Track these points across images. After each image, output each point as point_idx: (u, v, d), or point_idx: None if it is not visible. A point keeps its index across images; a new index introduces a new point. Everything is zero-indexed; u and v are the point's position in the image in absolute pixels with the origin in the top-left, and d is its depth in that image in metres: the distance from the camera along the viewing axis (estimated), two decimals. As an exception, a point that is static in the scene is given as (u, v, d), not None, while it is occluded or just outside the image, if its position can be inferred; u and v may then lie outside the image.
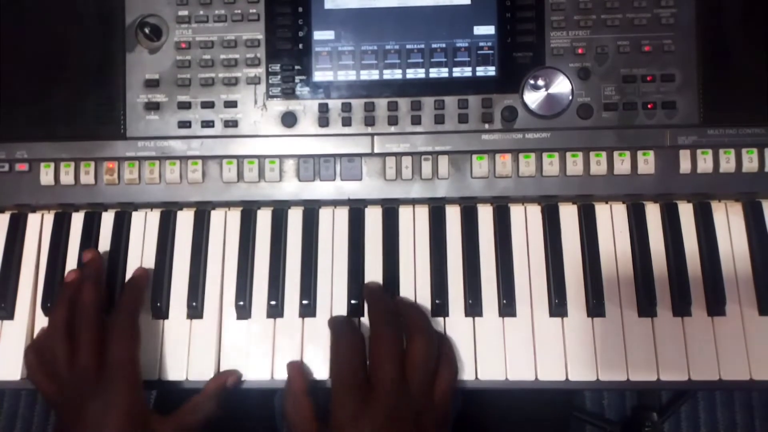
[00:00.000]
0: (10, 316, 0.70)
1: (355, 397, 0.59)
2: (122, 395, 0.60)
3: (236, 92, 0.71)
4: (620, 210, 0.71)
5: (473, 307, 0.68)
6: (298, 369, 0.66)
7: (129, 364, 0.62)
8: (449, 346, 0.66)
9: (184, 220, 0.72)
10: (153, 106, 0.71)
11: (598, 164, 0.69)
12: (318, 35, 0.70)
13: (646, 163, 0.68)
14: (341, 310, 0.68)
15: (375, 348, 0.62)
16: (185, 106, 0.71)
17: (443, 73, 0.70)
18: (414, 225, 0.71)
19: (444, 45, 0.70)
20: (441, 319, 0.68)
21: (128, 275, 0.70)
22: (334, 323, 0.67)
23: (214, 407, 0.65)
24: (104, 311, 0.66)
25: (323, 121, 0.70)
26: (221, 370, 0.68)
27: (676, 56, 0.69)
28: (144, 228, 0.72)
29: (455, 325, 0.68)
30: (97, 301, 0.65)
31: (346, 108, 0.70)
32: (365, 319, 0.68)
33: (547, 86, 0.69)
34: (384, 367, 0.60)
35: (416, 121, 0.70)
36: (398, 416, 0.58)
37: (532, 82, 0.69)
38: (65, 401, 0.62)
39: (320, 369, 0.67)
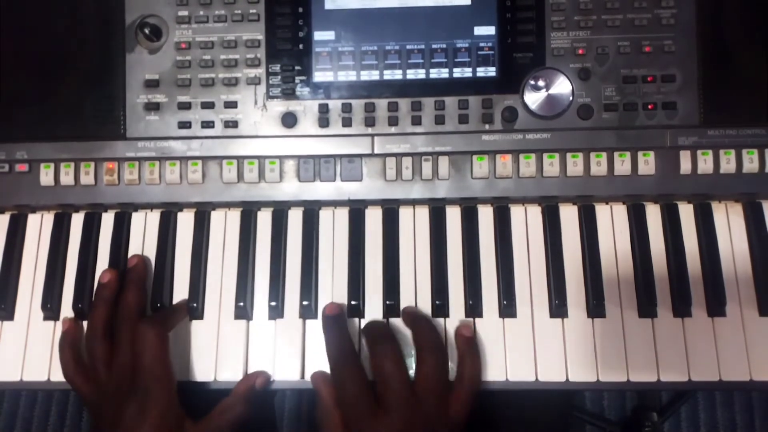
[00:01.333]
0: (10, 316, 0.70)
1: (364, 417, 0.60)
2: (158, 398, 0.61)
3: (236, 93, 0.71)
4: (620, 210, 0.71)
5: (473, 308, 0.68)
6: (324, 380, 0.65)
7: (165, 369, 0.63)
8: (471, 361, 0.64)
9: (185, 221, 0.72)
10: (153, 107, 0.71)
11: (599, 165, 0.69)
12: (318, 35, 0.70)
13: (647, 163, 0.68)
14: (341, 310, 0.68)
15: (376, 368, 0.62)
16: (185, 106, 0.71)
17: (443, 73, 0.70)
18: (414, 226, 0.71)
19: (444, 45, 0.70)
20: (441, 319, 0.68)
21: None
22: (333, 353, 0.65)
23: (243, 408, 0.65)
24: (143, 315, 0.67)
25: (323, 121, 0.70)
26: (221, 370, 0.67)
27: (676, 57, 0.69)
28: (144, 229, 0.72)
29: (455, 326, 0.67)
30: (141, 305, 0.67)
31: (347, 108, 0.70)
32: (365, 320, 0.68)
33: (547, 87, 0.68)
34: (389, 386, 0.60)
35: (416, 121, 0.70)
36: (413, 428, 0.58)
37: (532, 82, 0.69)
38: (102, 401, 0.63)
39: (320, 370, 0.67)
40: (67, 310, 0.70)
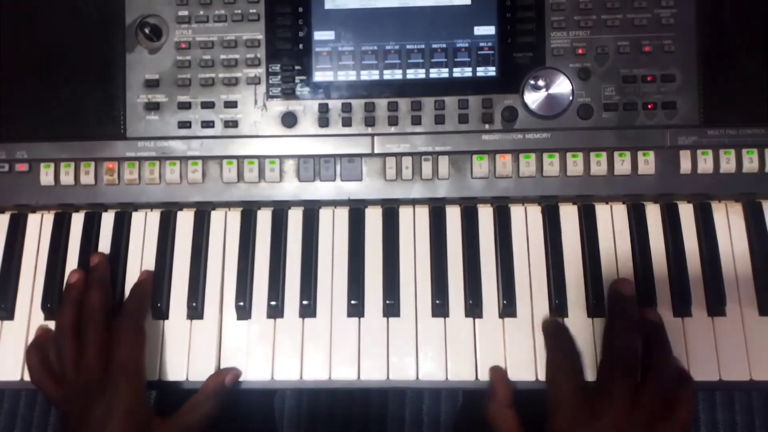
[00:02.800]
0: (10, 316, 0.70)
1: (575, 424, 0.58)
2: (125, 397, 0.61)
3: (236, 92, 0.71)
4: (620, 210, 0.71)
5: (473, 308, 0.68)
6: (503, 378, 0.65)
7: (133, 367, 0.63)
8: (687, 394, 0.60)
9: (184, 221, 0.72)
10: (153, 106, 0.71)
11: (599, 164, 0.69)
12: (318, 35, 0.70)
13: (647, 163, 0.68)
14: (341, 310, 0.68)
15: (602, 388, 0.59)
16: (185, 106, 0.71)
17: (443, 73, 0.70)
18: (414, 225, 0.71)
19: (444, 45, 0.70)
20: (441, 319, 0.68)
21: (128, 276, 0.70)
22: (552, 337, 0.65)
23: (212, 406, 0.65)
24: (110, 314, 0.66)
25: (323, 121, 0.70)
26: (220, 369, 0.67)
27: (676, 56, 0.69)
28: (144, 228, 0.72)
29: (455, 326, 0.68)
30: (105, 304, 0.66)
31: (347, 108, 0.70)
32: (365, 320, 0.68)
33: (547, 86, 0.69)
34: (610, 410, 0.57)
35: (416, 121, 0.70)
36: None
37: (532, 82, 0.69)
38: (69, 402, 0.63)
39: (321, 370, 0.67)
40: (67, 310, 0.70)
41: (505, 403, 0.63)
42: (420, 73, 0.70)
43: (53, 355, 0.65)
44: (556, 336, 0.65)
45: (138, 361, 0.63)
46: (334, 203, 0.71)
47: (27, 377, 0.68)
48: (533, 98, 0.69)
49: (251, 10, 0.71)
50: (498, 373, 0.65)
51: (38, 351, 0.66)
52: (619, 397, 0.58)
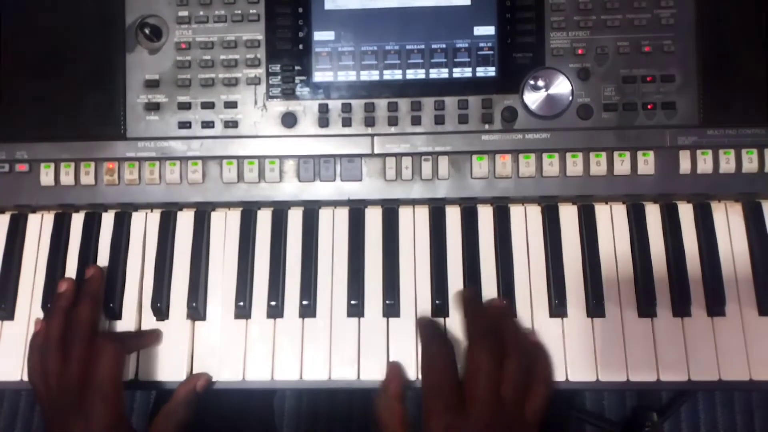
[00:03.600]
0: (10, 316, 0.70)
1: (449, 413, 0.58)
2: (104, 416, 0.60)
3: (236, 93, 0.71)
4: (620, 210, 0.71)
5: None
6: (397, 371, 0.65)
7: (114, 388, 0.62)
8: (545, 364, 0.63)
9: (185, 221, 0.72)
10: (153, 107, 0.71)
11: (598, 165, 0.69)
12: (318, 36, 0.70)
13: (646, 163, 0.68)
14: (341, 310, 0.69)
15: (473, 366, 0.60)
16: (185, 106, 0.71)
17: (443, 73, 0.70)
18: (414, 225, 0.71)
19: (444, 45, 0.70)
20: (441, 319, 0.68)
21: (128, 276, 0.70)
22: (424, 328, 0.66)
23: (185, 413, 0.65)
24: (96, 329, 0.66)
25: (323, 121, 0.70)
26: (222, 370, 0.68)
27: (676, 57, 0.69)
28: (144, 229, 0.72)
29: (455, 326, 0.68)
30: (93, 320, 0.65)
31: (346, 108, 0.70)
32: (365, 320, 0.68)
33: (547, 87, 0.69)
34: (482, 385, 0.58)
35: (416, 121, 0.70)
36: (492, 431, 0.57)
37: (532, 82, 0.69)
38: (52, 409, 0.62)
39: (321, 370, 0.67)
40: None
41: (394, 397, 0.63)
42: (420, 74, 0.70)
43: (42, 364, 0.64)
44: (426, 327, 0.66)
45: (118, 383, 0.62)
46: (334, 203, 0.72)
47: (27, 377, 0.68)
48: (533, 98, 0.69)
49: (251, 11, 0.71)
50: (395, 367, 0.65)
51: (40, 350, 0.65)
52: (488, 370, 0.58)
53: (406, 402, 0.63)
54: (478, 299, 0.67)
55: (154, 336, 0.68)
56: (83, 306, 0.65)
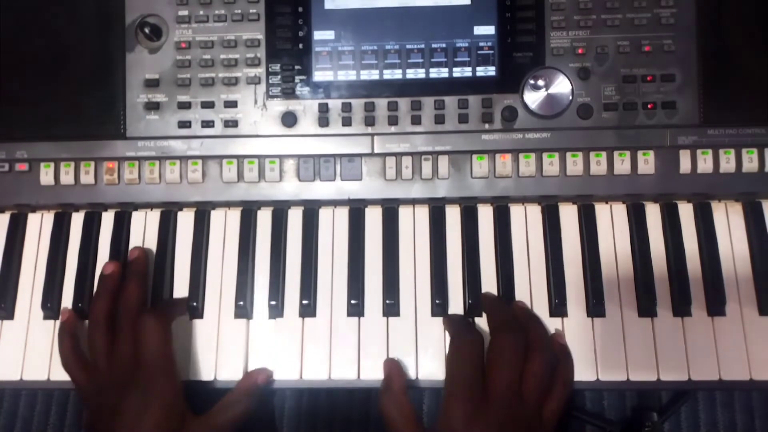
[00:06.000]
0: (10, 316, 0.70)
1: (471, 402, 0.58)
2: (162, 391, 0.61)
3: (236, 92, 0.71)
4: (620, 210, 0.71)
5: (473, 308, 0.68)
6: (397, 367, 0.65)
7: (168, 362, 0.63)
8: (567, 366, 0.64)
9: (184, 221, 0.72)
10: (153, 106, 0.71)
11: (598, 164, 0.69)
12: (318, 35, 0.70)
13: (646, 163, 0.68)
14: (341, 310, 0.68)
15: (496, 356, 0.61)
16: (185, 106, 0.71)
17: (443, 73, 0.70)
18: (414, 225, 0.71)
19: (444, 45, 0.70)
20: (441, 319, 0.68)
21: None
22: (453, 323, 0.66)
23: (246, 405, 0.65)
24: (144, 307, 0.67)
25: (323, 121, 0.70)
26: (220, 369, 0.67)
27: (676, 56, 0.69)
28: (144, 228, 0.72)
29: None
30: (142, 298, 0.67)
31: (346, 108, 0.70)
32: (365, 320, 0.68)
33: (547, 86, 0.69)
34: (504, 376, 0.59)
35: (416, 121, 0.70)
36: (510, 428, 0.58)
37: (532, 82, 0.69)
38: (101, 393, 0.63)
39: (321, 370, 0.67)
40: (67, 310, 0.70)
41: (400, 391, 0.63)
42: (420, 73, 0.70)
43: (88, 346, 0.65)
44: (455, 320, 0.66)
45: (171, 357, 0.64)
46: (334, 203, 0.72)
47: (27, 377, 0.68)
48: (533, 98, 0.69)
49: (251, 10, 0.71)
50: (393, 363, 0.65)
51: (69, 337, 0.66)
52: (512, 361, 0.60)
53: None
54: (498, 300, 0.68)
55: (182, 303, 0.69)
56: (132, 285, 0.67)
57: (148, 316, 0.64)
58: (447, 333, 0.66)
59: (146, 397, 0.60)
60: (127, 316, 0.65)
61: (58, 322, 0.69)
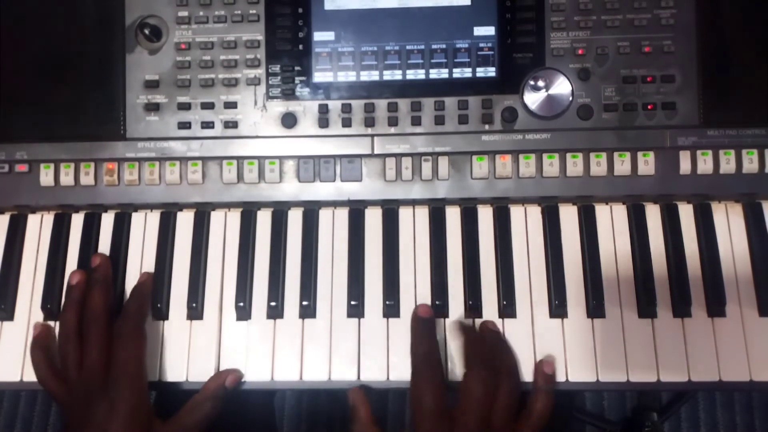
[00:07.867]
0: (10, 317, 0.70)
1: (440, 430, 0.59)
2: (127, 398, 0.61)
3: (236, 93, 0.71)
4: (620, 211, 0.71)
5: (473, 308, 0.68)
6: (362, 398, 0.65)
7: (134, 368, 0.63)
8: (545, 401, 0.64)
9: (184, 221, 0.72)
10: (153, 107, 0.71)
11: (598, 165, 0.69)
12: (318, 36, 0.70)
13: (646, 164, 0.68)
14: (341, 311, 0.68)
15: (467, 389, 0.61)
16: (185, 107, 0.71)
17: (443, 74, 0.70)
18: (414, 226, 0.71)
19: (444, 46, 0.70)
20: (441, 320, 0.68)
21: (128, 276, 0.70)
22: (416, 344, 0.65)
23: (212, 407, 0.65)
24: (112, 315, 0.66)
25: (323, 122, 0.70)
26: (221, 370, 0.67)
27: (676, 57, 0.69)
28: (144, 229, 0.72)
29: (455, 327, 0.67)
30: (107, 305, 0.66)
31: (346, 109, 0.70)
32: (365, 320, 0.68)
33: (547, 87, 0.69)
34: (472, 409, 0.60)
35: (416, 122, 0.70)
36: None
37: (532, 82, 0.69)
38: (72, 401, 0.63)
39: (321, 370, 0.67)
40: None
41: (368, 422, 0.63)
42: (420, 74, 0.70)
43: (58, 356, 0.66)
44: (418, 343, 0.65)
45: (139, 361, 0.64)
46: (334, 204, 0.71)
47: (27, 377, 0.68)
48: (533, 99, 0.69)
49: (251, 11, 0.71)
50: (357, 393, 0.65)
51: (41, 350, 0.66)
52: (480, 399, 0.60)
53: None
54: (473, 330, 0.67)
55: (149, 297, 0.68)
56: (96, 293, 0.66)
57: (120, 324, 0.64)
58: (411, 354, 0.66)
59: (113, 403, 0.61)
60: (94, 325, 0.64)
61: (58, 323, 0.69)
